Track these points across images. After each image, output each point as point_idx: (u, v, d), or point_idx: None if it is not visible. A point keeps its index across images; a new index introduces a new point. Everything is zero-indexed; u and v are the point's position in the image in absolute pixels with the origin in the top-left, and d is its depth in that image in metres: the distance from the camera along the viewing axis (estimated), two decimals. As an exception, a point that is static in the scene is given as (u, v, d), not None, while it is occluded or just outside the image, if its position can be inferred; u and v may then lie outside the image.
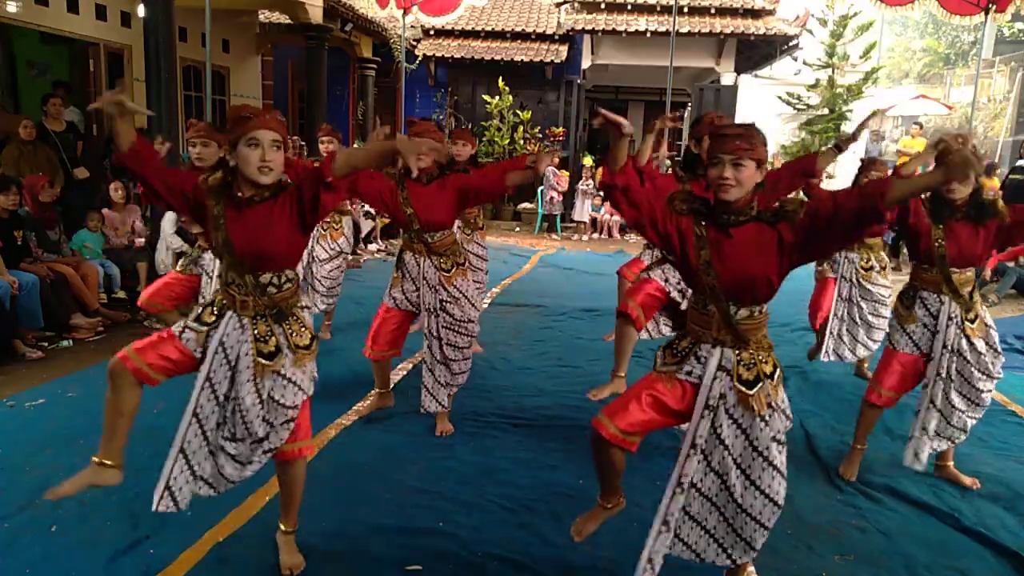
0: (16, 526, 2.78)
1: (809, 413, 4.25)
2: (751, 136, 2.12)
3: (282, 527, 2.62)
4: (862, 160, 4.51)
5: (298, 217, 2.32)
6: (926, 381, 3.34)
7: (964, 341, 3.25)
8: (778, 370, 2.27)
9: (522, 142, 13.04)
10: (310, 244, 5.35)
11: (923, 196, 3.22)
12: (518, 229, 12.88)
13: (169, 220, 6.35)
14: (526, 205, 13.13)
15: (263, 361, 2.33)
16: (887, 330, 4.69)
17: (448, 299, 3.66)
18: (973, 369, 3.26)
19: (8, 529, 2.75)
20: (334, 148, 5.23)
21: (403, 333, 3.90)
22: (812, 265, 4.78)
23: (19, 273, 5.05)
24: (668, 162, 3.96)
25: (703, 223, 2.20)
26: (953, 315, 3.24)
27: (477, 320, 3.93)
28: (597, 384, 4.62)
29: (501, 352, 5.31)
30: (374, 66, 13.65)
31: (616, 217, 12.55)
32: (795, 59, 13.05)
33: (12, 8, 7.34)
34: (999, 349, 3.34)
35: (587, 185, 12.58)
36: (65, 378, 4.47)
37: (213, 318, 2.40)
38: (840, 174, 12.78)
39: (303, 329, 2.43)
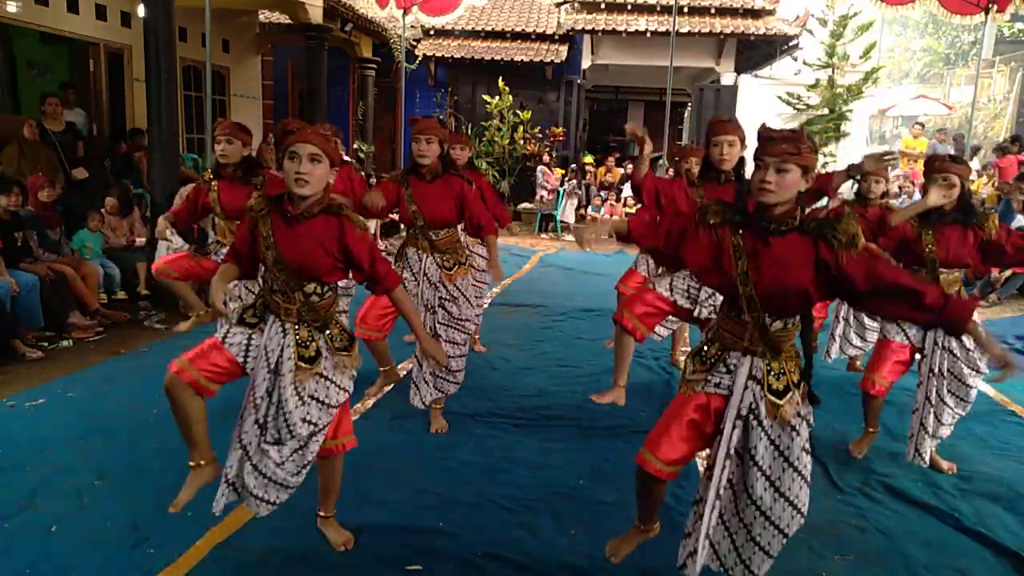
0: (16, 526, 2.77)
1: (815, 416, 4.25)
2: (799, 141, 2.03)
3: (321, 513, 2.74)
4: (850, 167, 4.51)
5: (343, 258, 2.42)
6: (920, 379, 3.40)
7: (953, 339, 3.32)
8: (802, 379, 2.24)
9: (522, 142, 13.03)
10: None
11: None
12: (518, 229, 12.88)
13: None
14: (526, 205, 13.12)
15: (304, 365, 2.39)
16: (877, 327, 4.75)
17: (447, 297, 3.65)
18: (963, 366, 3.33)
19: (8, 529, 2.75)
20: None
21: (393, 318, 3.76)
22: None
23: (19, 273, 5.06)
24: (666, 163, 3.99)
25: (740, 232, 2.13)
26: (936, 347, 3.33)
27: (475, 320, 3.92)
28: (597, 384, 4.65)
29: (501, 352, 5.31)
30: (374, 66, 13.65)
31: (616, 217, 12.55)
32: (795, 59, 13.04)
33: (12, 8, 7.33)
34: None
35: (570, 185, 12.47)
36: (65, 378, 4.46)
37: (256, 320, 2.48)
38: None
39: (343, 333, 2.52)
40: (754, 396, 2.18)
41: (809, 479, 2.20)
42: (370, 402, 4.19)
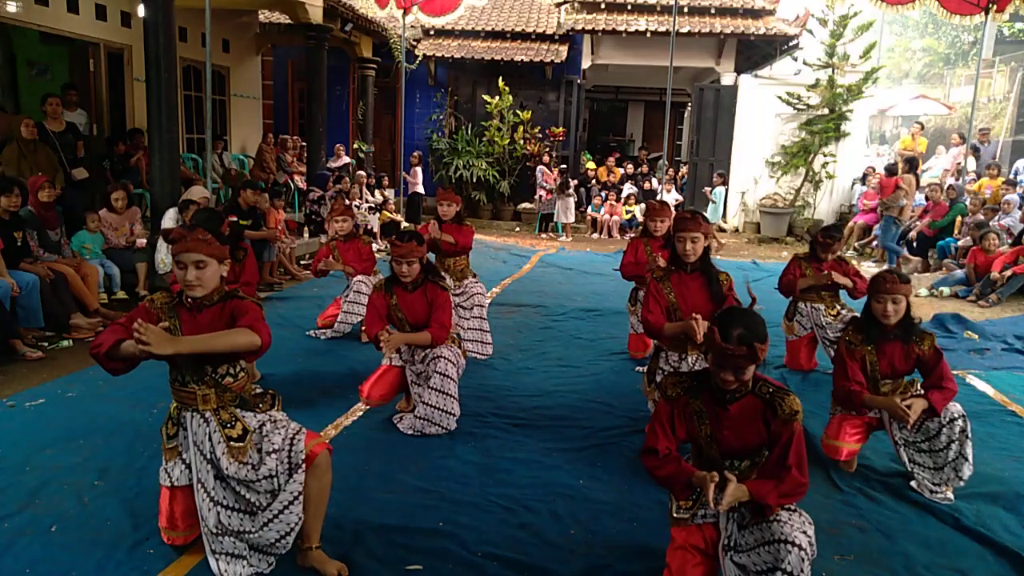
0: (16, 526, 2.77)
1: (809, 413, 4.24)
2: (757, 350, 2.19)
3: (301, 544, 2.53)
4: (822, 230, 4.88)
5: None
6: (894, 446, 3.43)
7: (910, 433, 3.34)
8: None
9: (522, 142, 13.04)
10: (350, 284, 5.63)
11: (852, 325, 3.47)
12: (518, 229, 12.88)
13: (170, 219, 6.36)
14: (526, 205, 13.13)
15: (236, 444, 2.43)
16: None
17: (433, 358, 3.82)
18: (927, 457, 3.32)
19: (8, 529, 2.75)
20: (348, 227, 5.73)
21: (400, 385, 3.98)
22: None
23: (19, 273, 5.05)
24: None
25: (698, 399, 2.36)
26: (892, 420, 3.36)
27: (463, 353, 4.05)
28: (597, 384, 4.65)
29: (501, 352, 5.31)
30: (374, 66, 13.64)
31: (616, 217, 12.55)
32: (795, 59, 13.04)
33: (12, 8, 7.34)
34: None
35: (554, 184, 12.37)
36: (65, 378, 4.47)
37: (175, 429, 2.56)
38: (841, 173, 12.78)
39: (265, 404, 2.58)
40: (737, 520, 2.32)
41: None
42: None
